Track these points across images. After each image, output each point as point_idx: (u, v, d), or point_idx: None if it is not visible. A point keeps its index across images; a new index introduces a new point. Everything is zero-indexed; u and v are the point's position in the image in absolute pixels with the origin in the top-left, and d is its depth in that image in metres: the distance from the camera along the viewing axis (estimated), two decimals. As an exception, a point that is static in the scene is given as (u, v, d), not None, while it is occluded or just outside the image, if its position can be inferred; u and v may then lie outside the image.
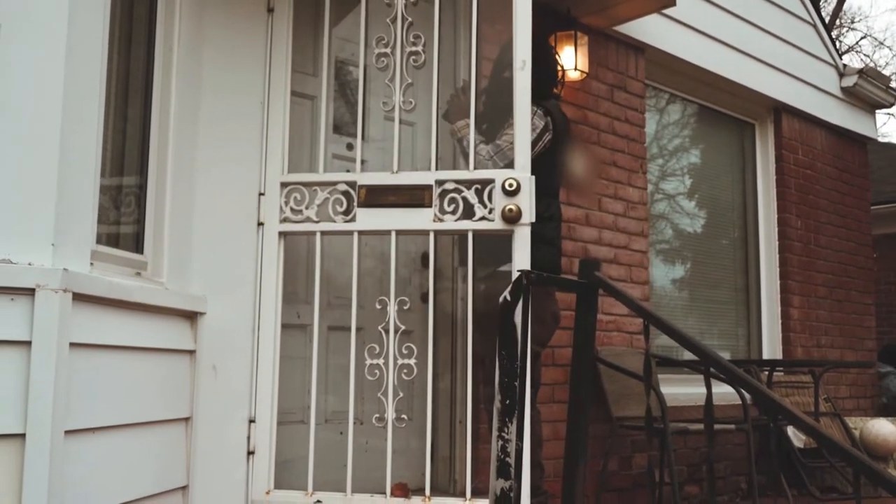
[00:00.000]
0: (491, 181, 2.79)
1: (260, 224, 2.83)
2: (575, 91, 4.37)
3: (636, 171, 4.72)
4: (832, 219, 6.25)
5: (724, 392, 4.05)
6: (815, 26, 6.33)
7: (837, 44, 19.48)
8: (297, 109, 3.12)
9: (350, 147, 3.41)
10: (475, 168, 2.84)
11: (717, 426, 4.13)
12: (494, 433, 1.91)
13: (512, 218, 2.74)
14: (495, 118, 3.23)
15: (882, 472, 1.66)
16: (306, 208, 2.85)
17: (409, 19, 2.92)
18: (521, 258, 2.72)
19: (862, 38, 20.76)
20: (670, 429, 3.63)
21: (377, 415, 2.71)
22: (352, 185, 2.86)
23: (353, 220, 2.84)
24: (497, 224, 2.77)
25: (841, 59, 6.67)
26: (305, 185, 2.88)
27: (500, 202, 2.77)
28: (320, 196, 2.86)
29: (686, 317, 5.60)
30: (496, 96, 3.35)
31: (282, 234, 2.85)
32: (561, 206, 3.54)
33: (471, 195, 2.81)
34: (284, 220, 2.85)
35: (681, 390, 4.73)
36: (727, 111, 5.82)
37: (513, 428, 1.83)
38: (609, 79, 4.63)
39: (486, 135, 3.23)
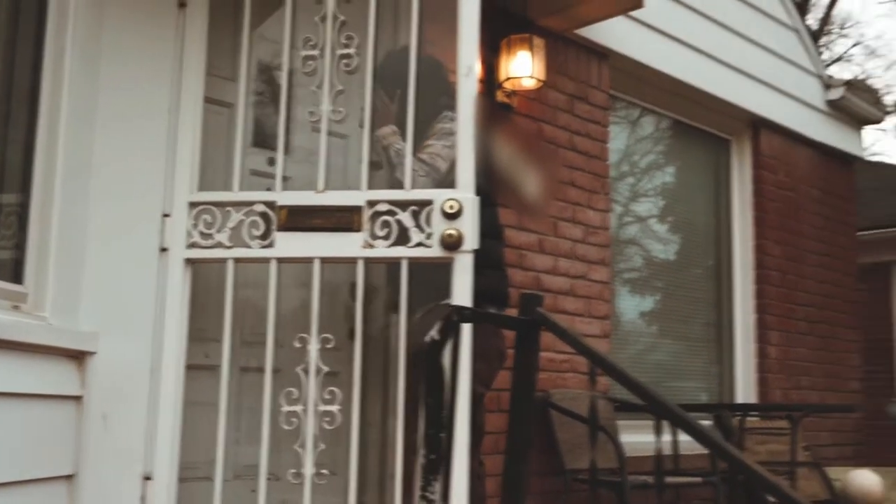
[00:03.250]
0: (429, 203, 2.79)
1: (163, 250, 2.78)
2: (530, 101, 4.41)
3: (598, 191, 4.77)
4: (815, 246, 6.38)
5: (692, 440, 4.08)
6: (798, 33, 6.49)
7: (827, 53, 20.03)
8: (211, 118, 3.08)
9: (272, 162, 3.38)
10: (412, 187, 2.84)
11: (682, 479, 4.17)
12: (417, 493, 1.89)
13: (452, 244, 2.74)
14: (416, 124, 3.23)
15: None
16: (218, 232, 2.81)
17: (342, 18, 2.91)
18: (462, 290, 2.71)
19: (853, 45, 21.35)
20: (629, 483, 3.64)
21: (294, 469, 2.67)
22: (271, 205, 2.83)
23: (270, 245, 2.80)
24: (435, 251, 2.76)
25: (825, 69, 6.84)
26: (217, 205, 2.84)
27: (439, 226, 2.76)
28: (234, 218, 2.82)
29: (655, 354, 5.66)
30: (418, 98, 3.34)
31: (189, 262, 2.80)
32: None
33: (406, 218, 2.80)
34: (192, 245, 2.80)
35: (647, 438, 4.75)
36: (701, 126, 5.93)
37: (438, 487, 1.82)
38: (569, 88, 4.68)
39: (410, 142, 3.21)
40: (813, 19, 19.33)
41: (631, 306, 5.64)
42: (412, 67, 2.95)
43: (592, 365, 2.23)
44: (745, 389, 5.81)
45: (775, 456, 5.15)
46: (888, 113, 7.25)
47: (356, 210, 2.82)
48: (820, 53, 6.84)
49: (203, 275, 2.99)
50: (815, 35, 18.65)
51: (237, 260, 2.83)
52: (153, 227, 2.77)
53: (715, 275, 5.99)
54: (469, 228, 2.75)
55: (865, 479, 5.31)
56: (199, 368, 2.99)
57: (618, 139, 5.51)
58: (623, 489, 3.64)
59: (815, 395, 6.14)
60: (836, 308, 6.51)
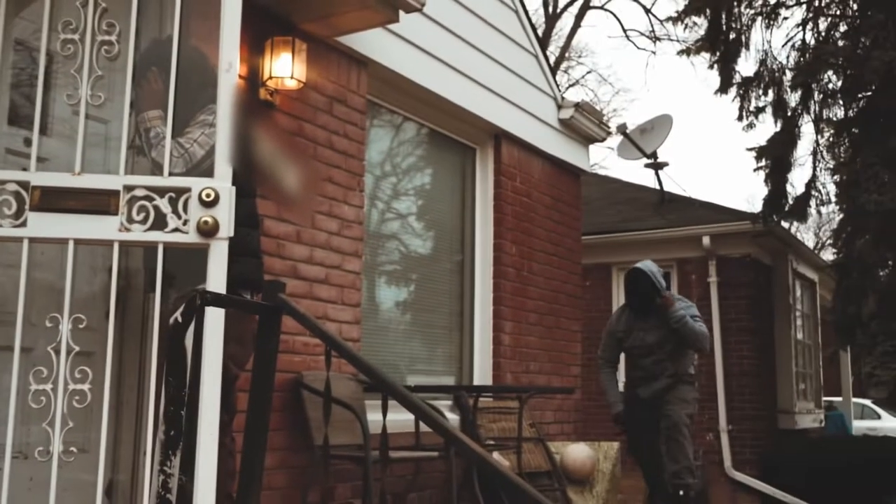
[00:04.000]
0: (187, 190, 2.77)
1: None
2: (291, 101, 4.46)
3: (353, 188, 4.89)
4: (545, 247, 6.85)
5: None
6: (537, 57, 6.94)
7: (566, 77, 21.42)
8: (-37, 95, 2.91)
9: (29, 142, 3.23)
10: (169, 171, 2.81)
11: (420, 453, 4.38)
12: (156, 467, 1.90)
13: (208, 231, 2.74)
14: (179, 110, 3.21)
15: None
16: (-33, 210, 2.66)
17: (103, 5, 2.83)
18: (217, 275, 2.72)
19: (588, 73, 23.01)
20: (371, 457, 3.78)
21: (42, 447, 2.57)
22: (24, 185, 2.71)
23: (23, 225, 2.68)
24: (192, 237, 2.75)
25: (560, 90, 7.35)
26: (-33, 183, 2.68)
27: (196, 213, 2.75)
28: (-16, 196, 2.68)
29: (408, 341, 5.86)
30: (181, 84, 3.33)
31: (-67, 239, 2.63)
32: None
33: (164, 204, 2.77)
34: (-62, 222, 2.63)
35: (397, 417, 4.93)
36: (451, 134, 6.19)
37: (176, 462, 1.85)
38: (329, 91, 4.76)
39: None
40: (555, 46, 20.64)
41: (386, 296, 5.82)
42: (174, 56, 2.92)
43: (328, 347, 2.33)
44: (482, 373, 6.14)
45: (506, 432, 5.50)
46: (610, 133, 7.90)
47: (113, 194, 2.76)
48: (556, 78, 7.35)
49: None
50: (557, 61, 19.93)
51: (-14, 238, 2.69)
52: None
53: (460, 269, 6.29)
54: (225, 216, 2.76)
55: (580, 452, 5.80)
56: (-59, 348, 2.81)
57: (381, 142, 5.67)
58: (366, 463, 3.77)
59: (542, 379, 6.58)
60: (562, 302, 7.01)
